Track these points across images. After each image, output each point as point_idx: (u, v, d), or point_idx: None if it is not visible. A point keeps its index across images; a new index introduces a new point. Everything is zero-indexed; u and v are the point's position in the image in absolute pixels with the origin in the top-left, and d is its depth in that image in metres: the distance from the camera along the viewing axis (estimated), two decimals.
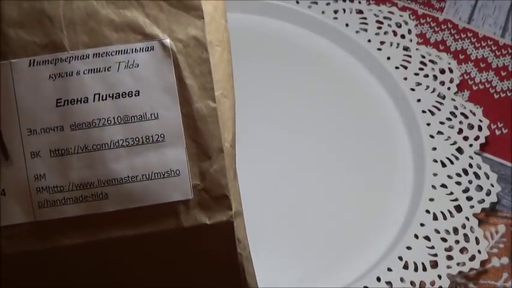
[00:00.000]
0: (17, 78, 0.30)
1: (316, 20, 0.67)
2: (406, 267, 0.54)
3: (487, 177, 0.59)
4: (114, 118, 0.30)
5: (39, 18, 0.31)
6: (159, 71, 0.31)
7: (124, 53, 0.30)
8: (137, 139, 0.30)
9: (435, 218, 0.57)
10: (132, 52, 0.30)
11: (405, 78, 0.64)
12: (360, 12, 0.68)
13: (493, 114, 0.64)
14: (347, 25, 0.67)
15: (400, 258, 0.54)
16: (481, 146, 0.61)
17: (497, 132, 0.63)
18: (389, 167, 0.60)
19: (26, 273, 0.31)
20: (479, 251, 0.55)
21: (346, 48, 0.67)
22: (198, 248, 0.31)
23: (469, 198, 0.58)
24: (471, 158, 0.60)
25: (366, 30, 0.67)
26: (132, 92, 0.30)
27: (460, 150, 0.60)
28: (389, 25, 0.68)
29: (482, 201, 0.58)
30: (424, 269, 0.54)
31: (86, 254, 0.30)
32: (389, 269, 0.54)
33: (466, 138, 0.61)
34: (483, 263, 0.55)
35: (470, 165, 0.60)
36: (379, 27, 0.67)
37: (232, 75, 0.36)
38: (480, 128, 0.62)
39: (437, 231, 0.56)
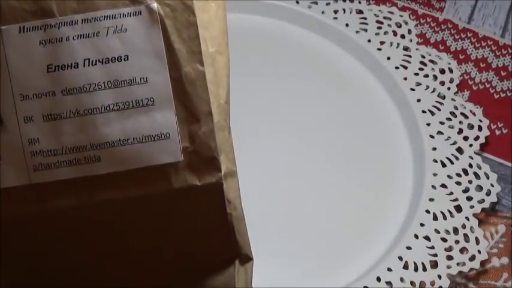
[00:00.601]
0: (8, 45, 0.30)
1: (316, 20, 0.67)
2: (406, 267, 0.54)
3: (487, 177, 0.59)
4: (104, 83, 0.31)
5: None
6: (147, 35, 0.31)
7: (112, 18, 0.31)
8: (127, 103, 0.31)
9: (435, 218, 0.57)
10: (120, 17, 0.31)
11: (405, 78, 0.64)
12: (360, 12, 0.68)
13: (493, 114, 0.64)
14: (347, 25, 0.67)
15: (400, 258, 0.54)
16: (481, 146, 0.61)
17: (497, 132, 0.63)
18: (389, 167, 0.60)
19: (23, 236, 0.32)
20: (479, 251, 0.55)
21: (346, 48, 0.67)
22: (188, 209, 0.32)
23: (469, 198, 0.58)
24: (471, 158, 0.60)
25: (366, 30, 0.67)
26: (121, 56, 0.31)
27: (460, 150, 0.60)
28: (389, 25, 0.68)
29: (482, 201, 0.58)
30: (424, 269, 0.54)
31: (80, 216, 0.31)
32: (389, 269, 0.54)
33: (466, 138, 0.61)
34: (483, 263, 0.55)
35: (470, 165, 0.60)
36: (379, 27, 0.67)
37: (227, 32, 0.35)
38: (480, 128, 0.62)
39: (437, 231, 0.56)
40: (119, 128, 0.31)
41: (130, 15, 0.31)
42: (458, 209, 0.57)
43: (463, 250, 0.55)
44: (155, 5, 0.31)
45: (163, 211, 0.32)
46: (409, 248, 0.55)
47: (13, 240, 0.32)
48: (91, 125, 0.31)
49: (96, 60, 0.31)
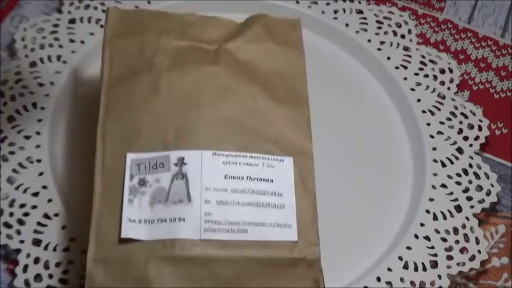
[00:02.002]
0: (204, 162, 0.50)
1: (316, 20, 0.67)
2: (406, 267, 0.54)
3: (487, 177, 0.59)
4: (257, 191, 0.50)
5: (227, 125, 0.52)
6: (285, 172, 0.51)
7: (266, 159, 0.51)
8: (269, 204, 0.50)
9: (435, 218, 0.57)
10: (270, 160, 0.51)
11: (405, 78, 0.64)
12: (360, 12, 0.68)
13: (493, 114, 0.64)
14: (347, 25, 0.67)
15: (400, 258, 0.54)
16: (481, 146, 0.61)
17: (497, 132, 0.63)
18: (389, 167, 0.60)
19: (188, 272, 0.48)
20: (479, 251, 0.55)
21: (346, 48, 0.67)
22: (296, 273, 0.49)
23: (469, 198, 0.58)
24: (471, 158, 0.60)
25: (366, 30, 0.67)
26: (268, 179, 0.51)
27: (460, 150, 0.60)
28: (389, 25, 0.68)
29: (482, 201, 0.58)
30: (424, 269, 0.54)
31: (227, 264, 0.48)
32: (389, 269, 0.54)
33: (466, 138, 0.61)
34: (483, 263, 0.55)
35: (470, 165, 0.60)
36: (379, 27, 0.67)
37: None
38: (480, 128, 0.62)
39: (437, 231, 0.56)
40: (263, 216, 0.50)
41: (276, 160, 0.51)
42: (458, 209, 0.57)
43: (463, 250, 0.55)
44: (291, 159, 0.52)
45: (279, 270, 0.49)
46: (409, 248, 0.55)
47: (179, 272, 0.48)
48: (245, 211, 0.49)
49: (254, 178, 0.50)
